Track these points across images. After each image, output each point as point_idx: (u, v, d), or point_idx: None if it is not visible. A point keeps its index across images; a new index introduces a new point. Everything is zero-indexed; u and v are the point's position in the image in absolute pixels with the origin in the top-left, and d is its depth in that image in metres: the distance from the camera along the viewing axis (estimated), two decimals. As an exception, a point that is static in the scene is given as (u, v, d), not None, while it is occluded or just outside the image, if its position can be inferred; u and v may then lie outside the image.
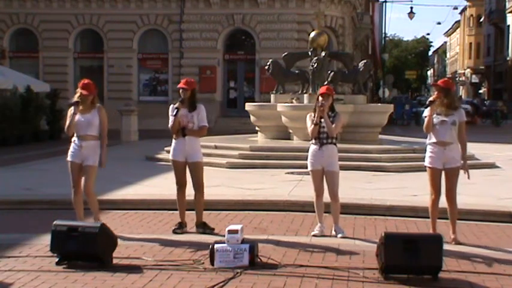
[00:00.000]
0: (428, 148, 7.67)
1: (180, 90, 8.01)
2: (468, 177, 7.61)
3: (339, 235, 7.78)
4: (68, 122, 7.78)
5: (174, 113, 7.91)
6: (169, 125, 8.05)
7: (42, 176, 13.14)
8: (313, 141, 7.92)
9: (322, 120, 7.77)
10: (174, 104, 8.08)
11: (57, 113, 24.48)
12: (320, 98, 7.83)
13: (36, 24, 33.88)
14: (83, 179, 7.85)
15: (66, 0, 33.53)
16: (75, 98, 7.75)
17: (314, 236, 7.81)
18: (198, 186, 8.11)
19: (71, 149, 7.86)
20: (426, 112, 7.62)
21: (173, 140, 8.16)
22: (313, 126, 7.82)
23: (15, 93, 22.72)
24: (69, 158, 7.87)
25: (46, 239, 6.86)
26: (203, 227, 8.06)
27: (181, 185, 8.14)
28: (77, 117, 7.69)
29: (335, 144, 7.93)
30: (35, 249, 7.06)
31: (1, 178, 12.66)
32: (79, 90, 7.76)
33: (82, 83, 7.84)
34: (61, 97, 26.00)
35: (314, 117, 7.83)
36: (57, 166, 14.80)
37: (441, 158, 7.52)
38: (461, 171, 7.63)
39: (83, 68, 34.12)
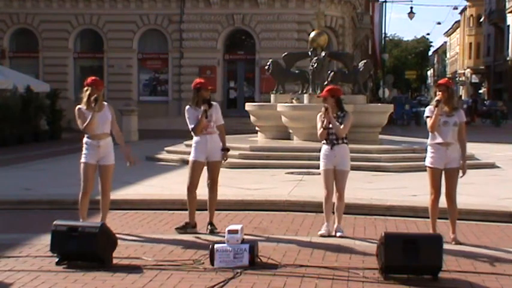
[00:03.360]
0: (430, 148, 7.67)
1: (200, 90, 8.00)
2: (461, 176, 7.60)
3: (338, 234, 7.78)
4: (84, 122, 7.65)
5: (206, 116, 7.89)
6: (191, 127, 8.03)
7: (42, 176, 13.13)
8: (325, 141, 7.95)
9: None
10: (191, 106, 8.05)
11: (57, 113, 24.50)
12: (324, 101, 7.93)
13: (36, 24, 33.90)
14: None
15: (66, 0, 33.56)
16: (94, 97, 7.62)
17: (321, 236, 7.80)
18: (214, 185, 8.14)
19: (86, 150, 7.77)
20: (428, 112, 7.61)
21: (194, 140, 8.13)
22: (321, 130, 7.85)
23: (15, 93, 22.72)
24: (84, 160, 7.78)
25: (46, 239, 6.86)
26: (213, 227, 8.09)
27: (195, 186, 8.11)
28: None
29: (346, 143, 7.96)
30: (35, 249, 7.06)
31: (1, 178, 12.66)
32: (89, 88, 7.68)
33: (91, 79, 7.80)
34: (61, 97, 26.03)
35: (324, 118, 7.87)
36: (57, 166, 14.82)
37: (443, 159, 7.53)
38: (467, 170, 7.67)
39: (83, 68, 34.13)
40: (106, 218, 7.85)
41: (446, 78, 8.34)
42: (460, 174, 7.60)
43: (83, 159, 7.83)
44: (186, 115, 8.11)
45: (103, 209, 7.92)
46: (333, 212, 8.08)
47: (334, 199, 8.03)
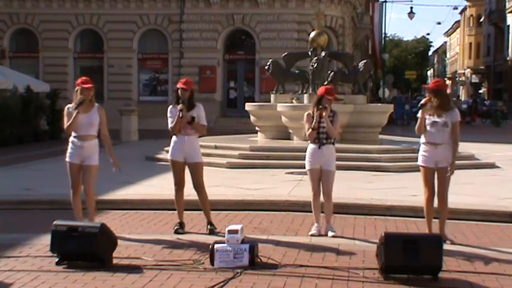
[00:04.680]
0: (421, 147, 7.72)
1: (179, 91, 8.01)
2: (448, 175, 7.53)
3: (330, 234, 7.79)
4: (68, 121, 7.67)
5: (181, 115, 7.87)
6: (170, 126, 8.03)
7: (42, 176, 13.13)
8: (312, 140, 7.94)
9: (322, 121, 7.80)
10: (173, 105, 8.06)
11: (57, 113, 24.44)
12: (323, 100, 7.85)
13: (36, 24, 33.90)
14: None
15: (66, 0, 33.55)
16: (79, 98, 7.65)
17: (312, 235, 7.82)
18: (199, 187, 8.10)
19: (70, 149, 7.80)
20: (419, 113, 7.66)
21: (172, 139, 8.14)
22: (310, 130, 7.83)
23: (15, 93, 22.72)
24: (68, 159, 7.81)
25: (46, 239, 6.86)
26: (212, 227, 8.08)
27: (179, 185, 8.13)
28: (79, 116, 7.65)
29: (333, 143, 7.96)
30: (35, 249, 7.07)
31: (1, 178, 12.66)
32: (79, 88, 7.68)
33: (81, 79, 7.81)
34: (61, 97, 26.02)
35: (313, 117, 7.83)
36: (57, 166, 14.76)
37: (433, 158, 7.55)
38: (459, 171, 7.67)
39: (83, 68, 34.11)
40: (94, 218, 7.80)
41: (438, 79, 8.34)
42: (448, 173, 7.57)
43: (67, 158, 7.84)
44: (168, 114, 8.11)
45: (88, 209, 7.88)
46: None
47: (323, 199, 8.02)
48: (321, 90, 8.17)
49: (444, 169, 7.55)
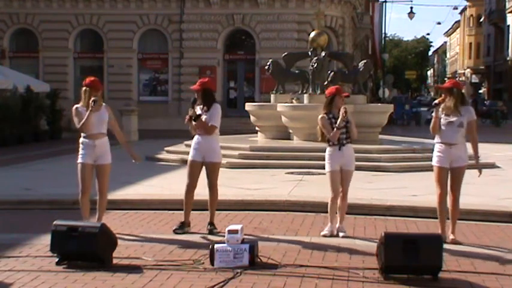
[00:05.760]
0: (436, 147, 7.70)
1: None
2: (479, 175, 7.68)
3: (341, 234, 7.79)
4: (80, 121, 7.63)
5: (189, 116, 7.93)
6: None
7: (42, 176, 13.13)
8: (331, 142, 7.92)
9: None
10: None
11: (57, 113, 24.51)
12: (337, 99, 7.87)
13: (36, 24, 33.89)
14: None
15: (66, 0, 33.55)
16: (91, 99, 7.61)
17: (324, 236, 7.80)
18: (212, 187, 8.14)
19: (82, 150, 7.77)
20: (433, 113, 7.68)
21: (193, 140, 8.18)
22: (335, 130, 7.80)
23: (15, 93, 22.72)
24: (81, 160, 7.77)
25: (46, 239, 6.87)
26: (212, 227, 8.09)
27: (193, 185, 8.13)
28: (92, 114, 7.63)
29: (351, 142, 7.99)
30: (35, 249, 7.07)
31: (1, 178, 12.66)
32: (87, 89, 7.68)
33: (90, 80, 7.78)
34: (61, 97, 26.05)
35: (331, 119, 7.82)
36: (57, 166, 14.82)
37: (448, 157, 7.55)
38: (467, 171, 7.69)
39: (83, 68, 34.11)
40: (102, 219, 7.83)
41: (451, 79, 8.36)
42: (477, 174, 7.68)
43: (79, 160, 7.81)
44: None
45: (100, 209, 7.91)
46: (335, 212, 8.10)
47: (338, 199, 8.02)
48: (331, 90, 8.13)
49: (459, 168, 7.57)
